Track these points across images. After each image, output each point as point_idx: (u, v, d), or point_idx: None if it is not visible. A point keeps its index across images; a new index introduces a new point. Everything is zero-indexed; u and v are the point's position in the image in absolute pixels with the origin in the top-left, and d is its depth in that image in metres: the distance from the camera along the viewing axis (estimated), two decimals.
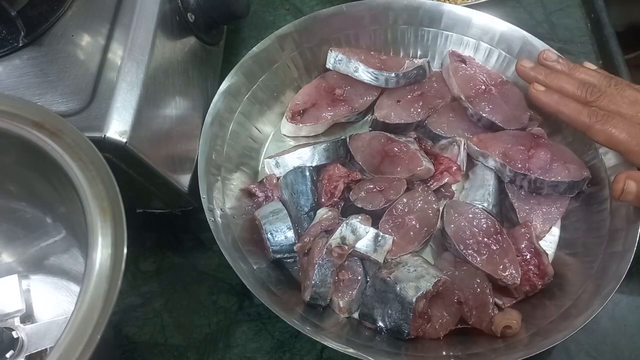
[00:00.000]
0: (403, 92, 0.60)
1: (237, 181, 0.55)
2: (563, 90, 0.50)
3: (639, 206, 0.48)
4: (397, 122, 0.58)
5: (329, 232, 0.50)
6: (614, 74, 0.64)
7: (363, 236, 0.49)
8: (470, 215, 0.52)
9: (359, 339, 0.47)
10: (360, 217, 0.49)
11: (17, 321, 0.46)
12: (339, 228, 0.49)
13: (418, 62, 0.60)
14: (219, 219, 0.50)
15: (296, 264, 0.52)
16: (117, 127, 0.42)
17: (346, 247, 0.48)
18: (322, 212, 0.51)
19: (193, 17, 0.53)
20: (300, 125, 0.58)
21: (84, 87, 0.44)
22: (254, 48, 0.58)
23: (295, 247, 0.51)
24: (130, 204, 0.43)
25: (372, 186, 0.53)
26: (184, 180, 0.50)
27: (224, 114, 0.55)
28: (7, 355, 0.44)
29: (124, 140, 0.42)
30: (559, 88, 0.50)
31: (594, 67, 0.53)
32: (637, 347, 0.52)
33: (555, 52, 0.54)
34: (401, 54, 0.63)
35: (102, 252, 0.35)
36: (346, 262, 0.50)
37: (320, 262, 0.48)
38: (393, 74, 0.58)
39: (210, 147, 0.53)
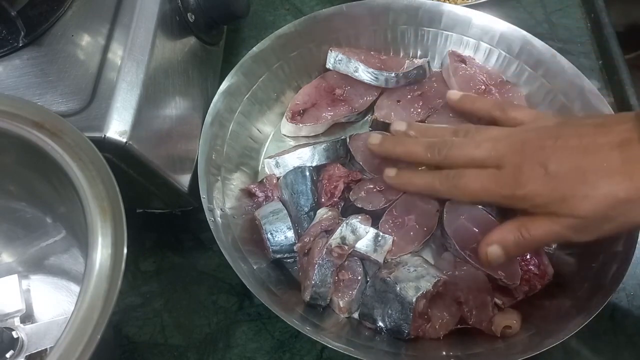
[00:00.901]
0: (403, 92, 0.60)
1: (237, 181, 0.55)
2: (412, 156, 0.49)
3: (518, 255, 0.48)
4: None
5: (329, 232, 0.50)
6: (614, 74, 0.64)
7: (363, 236, 0.49)
8: (470, 215, 0.52)
9: (359, 339, 0.47)
10: (360, 217, 0.49)
11: (17, 321, 0.46)
12: (339, 228, 0.49)
13: (418, 62, 0.60)
14: (219, 219, 0.50)
15: (296, 264, 0.52)
16: (117, 127, 0.42)
17: (346, 247, 0.48)
18: (322, 212, 0.51)
19: (193, 17, 0.53)
20: (300, 125, 0.58)
21: (84, 87, 0.44)
22: (254, 48, 0.58)
23: (295, 247, 0.51)
24: (130, 204, 0.42)
25: (372, 186, 0.53)
26: (184, 180, 0.50)
27: (224, 114, 0.55)
28: (7, 355, 0.44)
29: (124, 140, 0.42)
30: (407, 154, 0.50)
31: (457, 95, 0.54)
32: (637, 347, 0.52)
33: (403, 123, 0.53)
34: (401, 54, 0.63)
35: (102, 252, 0.35)
36: (346, 262, 0.50)
37: (320, 262, 0.48)
38: (393, 74, 0.58)
39: (210, 147, 0.53)
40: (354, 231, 0.49)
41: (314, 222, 0.51)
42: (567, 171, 0.40)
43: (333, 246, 0.48)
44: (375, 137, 0.53)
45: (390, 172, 0.51)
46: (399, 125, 0.53)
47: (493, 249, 0.44)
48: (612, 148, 0.39)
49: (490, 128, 0.48)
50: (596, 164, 0.39)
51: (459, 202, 0.49)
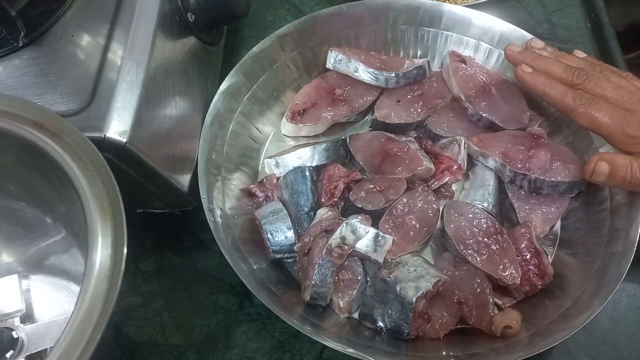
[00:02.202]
0: (403, 92, 0.60)
1: (237, 181, 0.55)
2: (549, 73, 0.50)
3: (612, 186, 0.51)
4: (397, 122, 0.58)
5: (329, 232, 0.50)
6: None
7: (363, 236, 0.49)
8: (470, 215, 0.52)
9: (359, 339, 0.47)
10: (360, 217, 0.49)
11: (17, 321, 0.46)
12: (339, 228, 0.49)
13: (418, 62, 0.60)
14: (219, 219, 0.50)
15: (296, 264, 0.52)
16: (117, 127, 0.42)
17: (346, 247, 0.48)
18: (322, 212, 0.51)
19: (193, 17, 0.53)
20: (300, 125, 0.58)
21: (84, 87, 0.44)
22: (254, 48, 0.58)
23: (295, 247, 0.51)
24: (130, 204, 0.42)
25: (372, 186, 0.53)
26: (184, 180, 0.50)
27: (224, 114, 0.55)
28: (7, 355, 0.44)
29: (124, 140, 0.42)
30: (545, 71, 0.51)
31: (583, 54, 0.53)
32: (637, 347, 0.52)
33: (541, 41, 0.55)
34: (401, 54, 0.63)
35: (102, 252, 0.35)
36: (346, 262, 0.50)
37: (320, 262, 0.48)
38: (393, 74, 0.58)
39: (210, 147, 0.53)
40: (354, 231, 0.49)
41: (314, 222, 0.51)
42: None
43: (333, 246, 0.48)
44: (515, 46, 0.54)
45: (525, 68, 0.51)
46: (536, 43, 0.55)
47: (603, 165, 0.47)
48: None
49: (621, 76, 0.50)
50: None
51: (580, 124, 0.49)
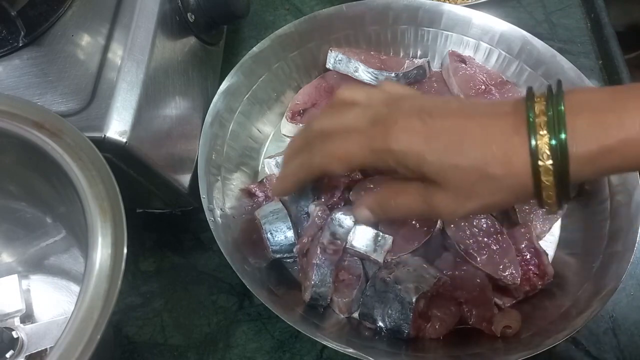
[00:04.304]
0: None
1: (237, 181, 0.55)
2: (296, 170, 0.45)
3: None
4: None
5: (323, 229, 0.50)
6: (614, 73, 0.65)
7: (351, 227, 0.49)
8: (470, 215, 0.52)
9: (359, 339, 0.47)
10: (342, 209, 0.50)
11: (17, 321, 0.46)
12: (326, 225, 0.49)
13: (418, 62, 0.60)
14: (219, 219, 0.50)
15: (296, 263, 0.52)
16: (117, 127, 0.42)
17: (339, 242, 0.48)
18: (311, 209, 0.51)
19: (193, 17, 0.53)
20: (300, 125, 0.58)
21: (84, 87, 0.44)
22: (254, 48, 0.58)
23: (294, 250, 0.51)
24: (130, 204, 0.42)
25: (372, 186, 0.53)
26: (184, 180, 0.50)
27: (224, 114, 0.55)
28: (7, 355, 0.44)
29: (124, 140, 0.42)
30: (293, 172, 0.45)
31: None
32: (637, 347, 0.52)
33: None
34: (401, 54, 0.63)
35: (102, 252, 0.35)
36: (346, 262, 0.50)
37: (318, 262, 0.48)
38: (393, 74, 0.58)
39: (210, 147, 0.53)
40: (341, 224, 0.49)
41: (309, 223, 0.51)
42: (445, 128, 0.36)
43: (325, 243, 0.48)
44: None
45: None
46: None
47: (362, 212, 0.43)
48: (493, 118, 0.35)
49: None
50: (474, 129, 0.35)
51: (331, 173, 0.42)
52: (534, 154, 0.33)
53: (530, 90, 0.36)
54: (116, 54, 0.45)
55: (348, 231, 0.49)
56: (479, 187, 0.35)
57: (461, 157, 0.35)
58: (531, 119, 0.34)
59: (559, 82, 0.35)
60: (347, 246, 0.49)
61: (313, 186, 0.53)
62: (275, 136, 0.61)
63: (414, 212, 0.41)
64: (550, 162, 0.33)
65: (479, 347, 0.47)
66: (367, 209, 0.43)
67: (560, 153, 0.33)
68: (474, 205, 0.37)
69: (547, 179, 0.33)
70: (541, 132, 0.33)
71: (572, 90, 0.34)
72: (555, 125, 0.33)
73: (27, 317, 0.48)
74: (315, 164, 0.42)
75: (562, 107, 0.33)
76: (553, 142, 0.33)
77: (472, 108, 0.37)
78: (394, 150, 0.36)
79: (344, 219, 0.49)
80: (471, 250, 0.50)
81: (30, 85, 0.44)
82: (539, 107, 0.34)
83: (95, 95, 0.43)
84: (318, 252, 0.48)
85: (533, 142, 0.33)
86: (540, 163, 0.33)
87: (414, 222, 0.52)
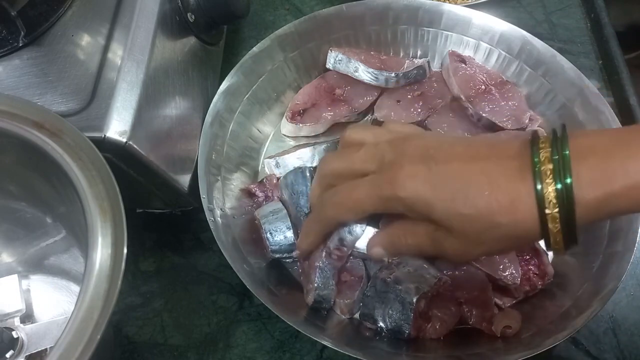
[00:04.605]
0: (403, 92, 0.60)
1: (237, 181, 0.55)
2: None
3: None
4: None
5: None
6: (614, 73, 0.65)
7: (360, 235, 0.49)
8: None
9: (360, 339, 0.47)
10: None
11: (17, 321, 0.46)
12: (335, 230, 0.49)
13: (418, 62, 0.60)
14: (219, 219, 0.50)
15: (296, 264, 0.52)
16: (117, 127, 0.42)
17: (345, 249, 0.48)
18: None
19: (193, 17, 0.53)
20: (300, 125, 0.58)
21: (84, 87, 0.44)
22: (254, 48, 0.58)
23: (294, 254, 0.51)
24: (130, 204, 0.42)
25: None
26: (184, 180, 0.50)
27: (224, 114, 0.55)
28: (7, 355, 0.44)
29: (124, 140, 0.42)
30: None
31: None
32: (637, 347, 0.52)
33: None
34: (401, 54, 0.63)
35: (102, 252, 0.35)
36: (348, 264, 0.50)
37: (321, 265, 0.48)
38: (393, 74, 0.58)
39: (210, 147, 0.53)
40: (350, 231, 0.49)
41: None
42: (451, 175, 0.36)
43: (332, 248, 0.48)
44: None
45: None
46: None
47: (376, 251, 0.44)
48: (498, 163, 0.35)
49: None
50: (479, 176, 0.35)
51: (345, 222, 0.45)
52: (541, 202, 0.33)
53: (535, 134, 0.36)
54: (116, 54, 0.45)
55: (356, 239, 0.49)
56: (486, 235, 0.36)
57: (467, 206, 0.35)
58: (537, 165, 0.34)
59: (564, 126, 0.35)
60: None
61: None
62: (275, 136, 0.61)
63: (424, 253, 0.41)
64: (556, 210, 0.33)
65: (479, 347, 0.47)
66: (381, 247, 0.44)
67: (566, 199, 0.33)
68: (482, 251, 0.38)
69: (554, 226, 0.33)
70: (547, 180, 0.33)
71: (576, 134, 0.34)
72: (561, 170, 0.33)
73: (27, 317, 0.48)
74: (329, 216, 0.44)
75: (568, 152, 0.33)
76: (559, 186, 0.33)
77: (476, 150, 0.37)
78: (402, 198, 0.37)
79: (355, 226, 0.49)
80: None
81: (30, 85, 0.44)
82: (544, 153, 0.34)
83: (95, 95, 0.43)
84: (323, 255, 0.48)
85: (539, 187, 0.33)
86: (547, 211, 0.33)
87: None
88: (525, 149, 0.35)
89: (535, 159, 0.34)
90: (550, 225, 0.33)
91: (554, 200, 0.33)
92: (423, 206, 0.37)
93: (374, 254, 0.44)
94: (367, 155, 0.40)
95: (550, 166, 0.33)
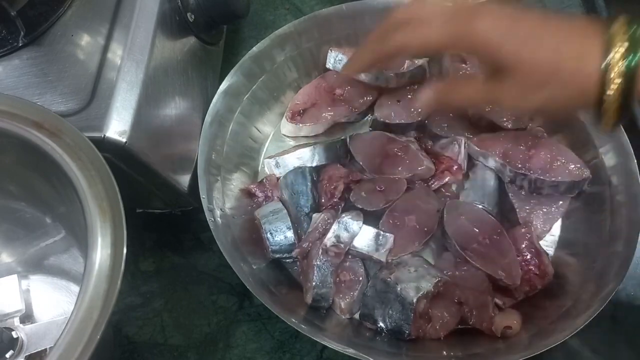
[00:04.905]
0: (403, 92, 0.60)
1: (237, 181, 0.55)
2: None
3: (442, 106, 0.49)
4: (397, 122, 0.58)
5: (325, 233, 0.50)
6: None
7: (357, 232, 0.49)
8: (470, 215, 0.52)
9: (360, 340, 0.47)
10: (351, 214, 0.49)
11: (16, 321, 0.46)
12: (332, 227, 0.49)
13: (418, 62, 0.60)
14: (219, 219, 0.50)
15: (296, 264, 0.52)
16: (117, 127, 0.42)
17: (342, 246, 0.48)
18: (316, 217, 0.51)
19: (193, 17, 0.53)
20: (300, 125, 0.58)
21: (84, 87, 0.44)
22: (254, 48, 0.58)
23: (293, 253, 0.51)
24: (130, 204, 0.42)
25: (372, 186, 0.53)
26: (184, 180, 0.50)
27: (223, 114, 0.55)
28: (7, 355, 0.44)
29: (124, 140, 0.42)
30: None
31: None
32: (637, 347, 0.52)
33: None
34: None
35: (101, 252, 0.35)
36: (347, 263, 0.50)
37: (319, 263, 0.48)
38: (393, 74, 0.58)
39: (210, 147, 0.53)
40: (347, 228, 0.49)
41: (311, 229, 0.51)
42: (527, 23, 0.38)
43: (328, 246, 0.48)
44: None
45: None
46: None
47: (425, 93, 0.44)
48: (573, 25, 0.38)
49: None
50: (553, 29, 0.38)
51: (405, 51, 0.45)
52: (607, 61, 0.35)
53: (611, 17, 0.37)
54: (116, 53, 0.45)
55: (353, 236, 0.49)
56: (549, 79, 0.37)
57: (539, 48, 0.37)
58: (611, 32, 0.35)
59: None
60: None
61: (312, 186, 0.53)
62: (275, 136, 0.61)
63: (474, 101, 0.43)
64: (619, 79, 0.35)
65: (480, 348, 0.47)
66: (432, 91, 0.44)
67: (632, 69, 0.34)
68: (538, 99, 0.38)
69: (615, 85, 0.35)
70: (618, 46, 0.35)
71: None
72: (632, 44, 0.35)
73: (27, 317, 0.48)
74: (396, 40, 0.42)
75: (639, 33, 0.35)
76: (628, 58, 0.34)
77: (552, 14, 0.39)
78: (477, 32, 0.38)
79: (351, 223, 0.49)
80: (471, 251, 0.50)
81: (30, 85, 0.44)
82: (619, 25, 0.35)
83: (95, 95, 0.43)
84: (319, 253, 0.48)
85: (609, 54, 0.35)
86: (611, 74, 0.35)
87: (414, 223, 0.52)
88: (600, 21, 0.37)
89: (610, 28, 0.35)
90: (613, 82, 0.35)
91: (620, 68, 0.35)
92: (495, 44, 0.38)
93: (424, 97, 0.44)
94: (441, 7, 0.41)
95: (624, 36, 0.35)
